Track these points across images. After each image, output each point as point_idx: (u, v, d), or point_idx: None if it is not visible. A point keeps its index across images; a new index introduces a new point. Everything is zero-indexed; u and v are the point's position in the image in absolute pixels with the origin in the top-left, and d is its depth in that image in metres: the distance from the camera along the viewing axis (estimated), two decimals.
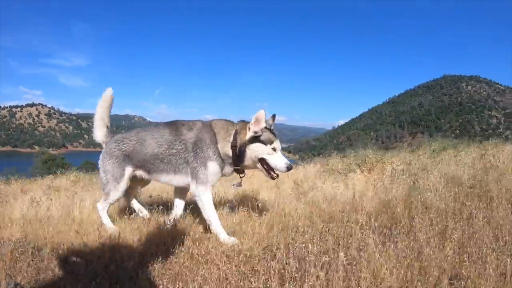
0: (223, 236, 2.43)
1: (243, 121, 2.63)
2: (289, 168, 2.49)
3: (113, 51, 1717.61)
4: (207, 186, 2.54)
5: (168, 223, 2.58)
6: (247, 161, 2.54)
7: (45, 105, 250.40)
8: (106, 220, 2.78)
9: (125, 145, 2.71)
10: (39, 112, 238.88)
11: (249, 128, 2.49)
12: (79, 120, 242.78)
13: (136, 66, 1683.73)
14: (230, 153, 2.53)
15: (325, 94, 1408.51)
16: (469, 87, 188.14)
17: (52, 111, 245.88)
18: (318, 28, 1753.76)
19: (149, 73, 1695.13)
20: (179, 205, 2.89)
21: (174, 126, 2.67)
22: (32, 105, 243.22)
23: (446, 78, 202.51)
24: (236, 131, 2.56)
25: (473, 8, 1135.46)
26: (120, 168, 2.68)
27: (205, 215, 2.54)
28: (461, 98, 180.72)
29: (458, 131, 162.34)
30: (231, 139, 2.53)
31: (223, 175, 2.67)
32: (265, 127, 2.48)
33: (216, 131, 2.59)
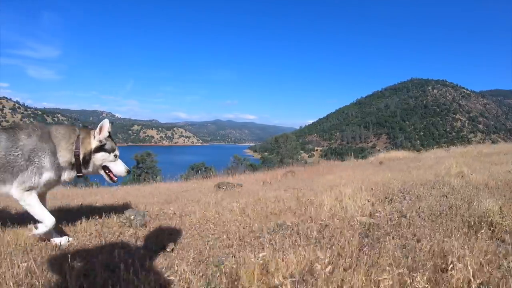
0: None
1: (85, 127, 2.78)
2: (128, 172, 2.78)
3: (83, 42, 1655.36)
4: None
5: None
6: (91, 168, 2.64)
7: (10, 99, 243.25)
8: None
9: None
10: (3, 106, 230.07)
11: (94, 137, 2.61)
12: (44, 115, 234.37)
13: (106, 59, 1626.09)
14: (73, 161, 2.58)
15: (295, 94, 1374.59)
16: (435, 91, 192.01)
17: (17, 105, 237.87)
18: (287, 28, 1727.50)
19: (120, 66, 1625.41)
20: None
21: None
22: None
23: (413, 81, 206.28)
24: (78, 138, 2.59)
25: (446, 12, 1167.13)
26: None
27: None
28: (426, 101, 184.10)
29: (422, 133, 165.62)
30: (74, 147, 2.57)
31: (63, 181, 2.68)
32: (108, 136, 2.64)
33: (56, 141, 2.56)
